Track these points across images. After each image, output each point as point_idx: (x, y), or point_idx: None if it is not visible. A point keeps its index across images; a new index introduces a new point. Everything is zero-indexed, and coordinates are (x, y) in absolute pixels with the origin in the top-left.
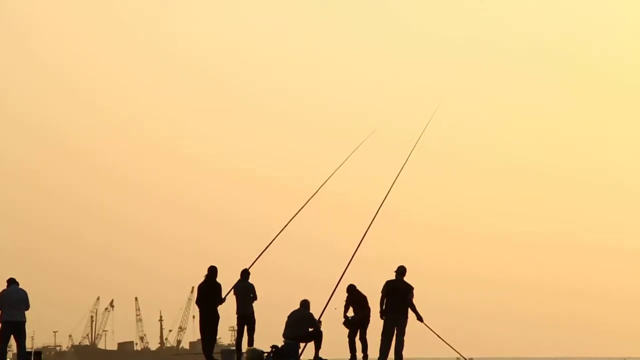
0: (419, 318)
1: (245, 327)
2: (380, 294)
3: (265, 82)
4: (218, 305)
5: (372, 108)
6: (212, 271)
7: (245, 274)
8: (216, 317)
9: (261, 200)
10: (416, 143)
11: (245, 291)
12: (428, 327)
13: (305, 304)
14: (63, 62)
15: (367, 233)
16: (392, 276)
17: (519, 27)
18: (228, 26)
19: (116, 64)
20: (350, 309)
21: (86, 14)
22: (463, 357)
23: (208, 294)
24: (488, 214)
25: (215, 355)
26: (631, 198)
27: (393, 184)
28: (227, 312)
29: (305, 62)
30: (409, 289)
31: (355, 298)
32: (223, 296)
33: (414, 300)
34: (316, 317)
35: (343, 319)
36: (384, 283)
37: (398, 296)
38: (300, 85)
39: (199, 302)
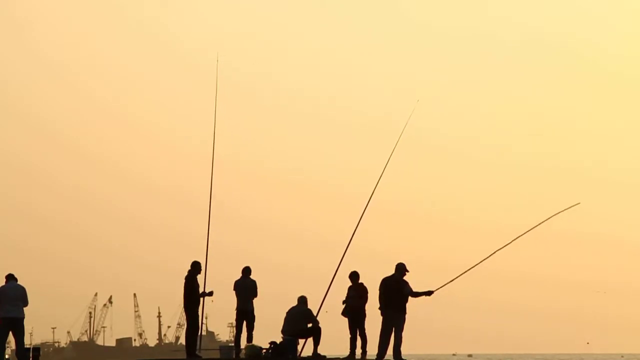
0: (428, 293)
1: (245, 323)
2: (378, 291)
3: (261, 77)
4: (197, 302)
5: (357, 99)
6: (194, 267)
7: (246, 271)
8: (196, 314)
9: (261, 197)
10: (401, 134)
11: (245, 287)
12: (438, 288)
13: (303, 300)
14: (60, 54)
15: (358, 227)
16: (389, 270)
17: (508, 18)
18: (227, 21)
19: (116, 57)
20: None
21: (87, 7)
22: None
23: (188, 290)
24: (482, 206)
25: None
26: (626, 190)
27: (381, 175)
28: (227, 308)
29: (300, 57)
30: (403, 284)
31: (354, 286)
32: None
33: (413, 290)
34: (314, 312)
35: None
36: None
37: (393, 293)
38: (295, 78)
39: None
